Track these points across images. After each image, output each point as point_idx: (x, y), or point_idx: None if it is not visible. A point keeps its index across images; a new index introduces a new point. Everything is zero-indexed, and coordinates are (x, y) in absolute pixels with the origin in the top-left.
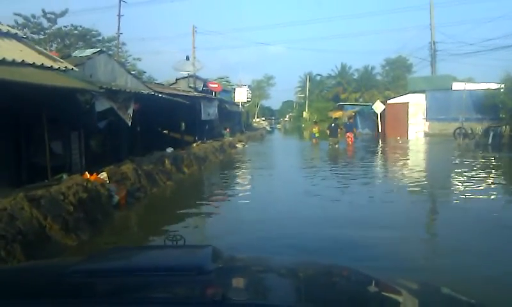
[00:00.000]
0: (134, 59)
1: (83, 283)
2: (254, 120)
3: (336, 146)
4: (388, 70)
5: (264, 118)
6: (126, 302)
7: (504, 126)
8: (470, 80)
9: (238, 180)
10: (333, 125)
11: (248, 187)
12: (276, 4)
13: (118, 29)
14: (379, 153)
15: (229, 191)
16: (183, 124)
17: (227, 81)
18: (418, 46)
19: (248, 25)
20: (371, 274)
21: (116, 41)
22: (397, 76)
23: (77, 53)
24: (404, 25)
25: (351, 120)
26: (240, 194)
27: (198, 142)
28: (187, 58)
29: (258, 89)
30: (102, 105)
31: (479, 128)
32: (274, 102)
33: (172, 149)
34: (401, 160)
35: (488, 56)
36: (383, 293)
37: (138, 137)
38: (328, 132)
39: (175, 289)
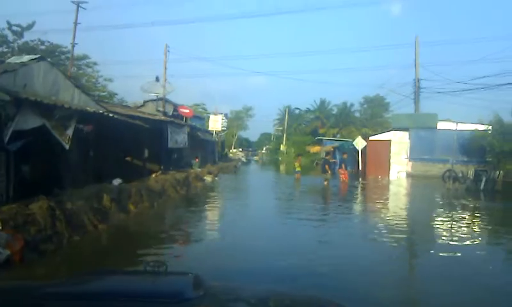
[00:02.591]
0: (105, 79)
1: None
2: (231, 151)
3: (326, 183)
4: (366, 107)
5: (241, 149)
6: None
7: (497, 171)
8: (454, 120)
9: (194, 229)
10: (324, 160)
11: (208, 240)
12: (259, 34)
13: (73, 38)
14: (365, 199)
15: (178, 247)
16: (146, 151)
17: (203, 108)
18: (400, 83)
19: (229, 54)
20: None
21: (87, 60)
22: (375, 114)
23: (13, 59)
24: (387, 62)
25: (344, 155)
26: (191, 254)
27: (158, 173)
28: (157, 79)
29: (237, 119)
30: (28, 121)
31: (470, 171)
32: (252, 133)
33: (120, 180)
34: (389, 211)
35: (474, 95)
36: None
37: (90, 164)
38: (325, 167)
39: None
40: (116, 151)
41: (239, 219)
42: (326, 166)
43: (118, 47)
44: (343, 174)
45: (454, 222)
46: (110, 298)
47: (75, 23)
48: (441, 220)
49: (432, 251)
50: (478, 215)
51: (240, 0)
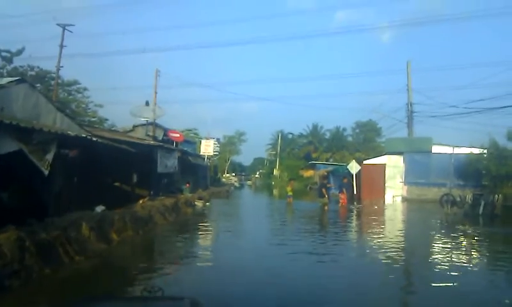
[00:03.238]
0: (96, 105)
1: None
2: (224, 175)
3: (325, 207)
4: (359, 132)
5: (234, 174)
6: None
7: (496, 195)
8: (448, 144)
9: (177, 264)
10: (321, 184)
11: (197, 274)
12: (252, 60)
13: (59, 61)
14: (369, 227)
15: (156, 282)
16: (135, 176)
17: (195, 133)
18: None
19: (222, 80)
20: None
21: (77, 85)
22: (367, 139)
23: None
24: (380, 88)
25: (345, 180)
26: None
27: (145, 199)
28: (147, 103)
29: (230, 144)
30: (4, 146)
31: (468, 195)
32: (245, 158)
33: (103, 207)
34: (385, 242)
35: (468, 119)
36: None
37: (74, 190)
38: (321, 191)
39: None
40: (104, 177)
41: (228, 252)
42: (323, 190)
43: (109, 73)
44: (343, 199)
45: (463, 254)
46: None
47: (61, 46)
48: (448, 249)
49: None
50: (485, 242)
51: (235, 26)
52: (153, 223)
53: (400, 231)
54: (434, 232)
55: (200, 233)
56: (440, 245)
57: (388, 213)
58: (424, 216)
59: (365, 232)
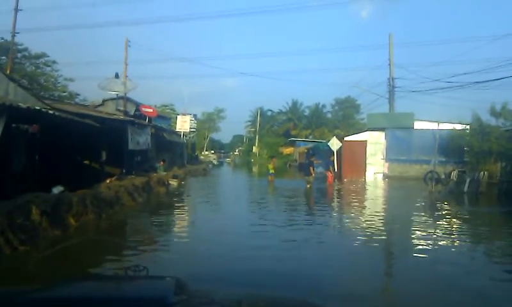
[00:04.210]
0: (66, 79)
1: None
2: (202, 153)
3: (309, 185)
4: (338, 109)
5: (213, 151)
6: None
7: (482, 173)
8: (430, 119)
9: (142, 252)
10: (309, 162)
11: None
12: (231, 35)
13: (14, 26)
14: (346, 204)
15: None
16: (104, 153)
17: (172, 109)
18: (374, 83)
19: (199, 55)
20: None
21: (45, 58)
22: (347, 115)
23: None
24: (360, 64)
25: (332, 158)
26: None
27: (113, 178)
28: (116, 76)
29: (208, 121)
30: None
31: (454, 173)
32: (224, 135)
33: (62, 188)
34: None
35: (451, 94)
36: None
37: (35, 169)
38: (309, 169)
39: None
40: (72, 155)
41: (201, 239)
42: (311, 168)
43: (81, 48)
44: (330, 177)
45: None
46: (92, 303)
47: (16, 10)
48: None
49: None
50: (471, 223)
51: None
52: (120, 205)
53: (391, 211)
54: (422, 212)
55: (170, 217)
56: (434, 227)
57: (372, 191)
58: (409, 194)
59: (373, 213)
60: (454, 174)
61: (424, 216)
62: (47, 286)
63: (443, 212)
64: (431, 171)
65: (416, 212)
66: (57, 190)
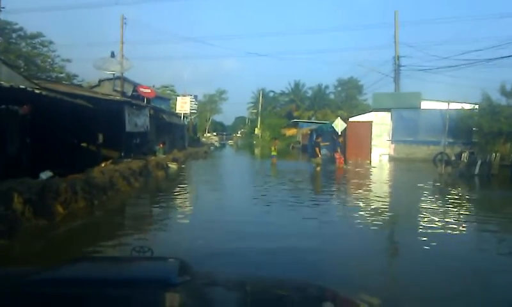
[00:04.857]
0: (63, 60)
1: (41, 293)
2: (204, 135)
3: (318, 168)
4: (340, 90)
5: (215, 133)
6: None
7: (494, 154)
8: (438, 99)
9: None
10: (314, 143)
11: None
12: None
13: None
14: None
15: None
16: (101, 136)
17: (172, 90)
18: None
19: (201, 35)
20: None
21: (41, 38)
22: (349, 96)
23: None
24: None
25: (340, 139)
26: None
27: (108, 162)
28: (112, 55)
29: (210, 103)
30: None
31: (464, 154)
32: (226, 117)
33: (50, 173)
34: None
35: (459, 73)
36: None
37: (27, 153)
38: (315, 150)
39: (139, 302)
40: (66, 137)
41: (197, 231)
42: (317, 149)
43: (80, 29)
44: (339, 159)
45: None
46: (96, 283)
47: None
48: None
49: None
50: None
51: None
52: (115, 191)
53: (405, 195)
54: (436, 196)
55: (168, 204)
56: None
57: (381, 174)
58: (421, 179)
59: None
60: (464, 156)
61: (447, 201)
62: (50, 267)
63: (466, 196)
64: (440, 153)
65: (433, 196)
66: (45, 175)
